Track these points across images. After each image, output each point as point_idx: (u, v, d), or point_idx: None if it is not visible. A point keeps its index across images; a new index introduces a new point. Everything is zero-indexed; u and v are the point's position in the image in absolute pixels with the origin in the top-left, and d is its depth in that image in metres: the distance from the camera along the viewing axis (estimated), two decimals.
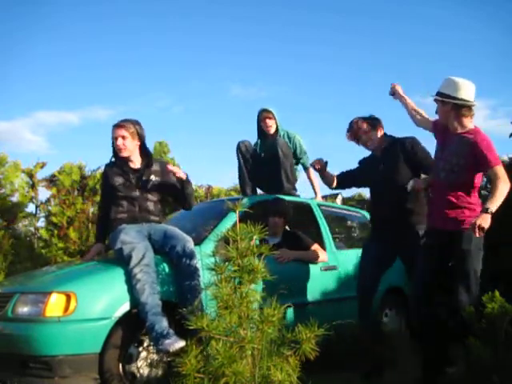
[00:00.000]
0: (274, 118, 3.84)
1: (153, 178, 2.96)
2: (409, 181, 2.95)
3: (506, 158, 4.95)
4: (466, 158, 2.58)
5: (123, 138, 2.86)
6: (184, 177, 2.91)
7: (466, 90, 2.62)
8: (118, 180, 2.91)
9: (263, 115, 3.85)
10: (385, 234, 3.08)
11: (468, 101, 2.61)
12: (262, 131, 3.95)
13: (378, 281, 3.17)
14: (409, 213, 3.00)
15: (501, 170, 2.50)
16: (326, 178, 3.43)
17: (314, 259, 3.39)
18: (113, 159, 2.99)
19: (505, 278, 3.53)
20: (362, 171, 3.34)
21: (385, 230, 3.09)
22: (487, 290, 2.39)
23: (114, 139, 2.87)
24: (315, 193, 4.11)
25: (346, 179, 3.42)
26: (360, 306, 3.15)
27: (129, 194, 2.90)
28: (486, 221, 2.34)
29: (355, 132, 3.18)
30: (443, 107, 2.67)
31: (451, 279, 2.62)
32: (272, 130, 3.86)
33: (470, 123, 2.64)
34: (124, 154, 2.90)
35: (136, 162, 2.97)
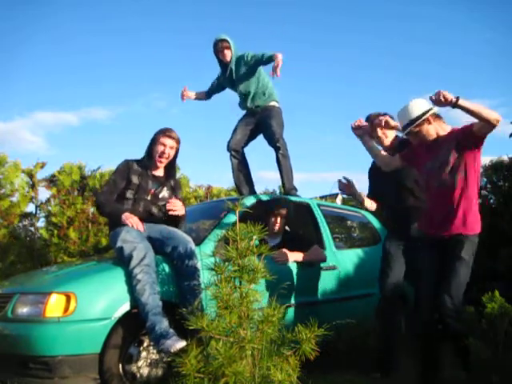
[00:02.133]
0: (230, 48, 3.89)
1: (165, 193, 3.02)
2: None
3: (506, 158, 4.96)
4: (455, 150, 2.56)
5: (171, 148, 2.99)
6: (182, 214, 2.95)
7: (420, 105, 2.60)
8: (135, 179, 2.94)
9: (221, 45, 3.89)
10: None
11: (431, 108, 2.59)
12: (219, 59, 3.99)
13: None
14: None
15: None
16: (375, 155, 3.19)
17: (313, 261, 3.39)
18: (144, 160, 3.01)
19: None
20: (376, 182, 3.28)
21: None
22: (487, 290, 2.39)
23: (162, 146, 2.96)
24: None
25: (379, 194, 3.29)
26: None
27: (139, 196, 2.92)
28: (448, 95, 2.36)
29: (374, 126, 3.06)
30: (427, 126, 2.61)
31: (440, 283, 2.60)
32: (228, 58, 3.92)
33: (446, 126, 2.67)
34: (163, 163, 3.01)
35: (160, 171, 3.06)
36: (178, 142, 3.02)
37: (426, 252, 2.73)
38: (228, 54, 3.88)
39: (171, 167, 3.10)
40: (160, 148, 2.96)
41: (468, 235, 2.56)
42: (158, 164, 3.00)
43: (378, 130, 3.05)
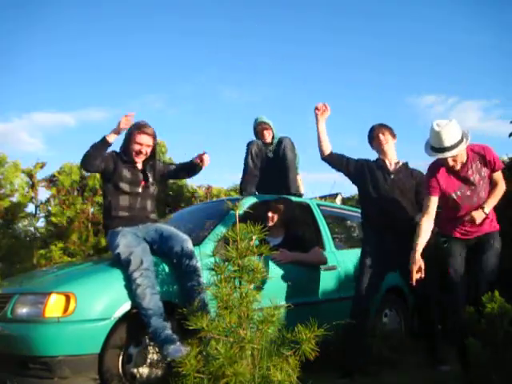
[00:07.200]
0: (271, 128, 3.95)
1: (150, 178, 3.00)
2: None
3: (505, 158, 4.95)
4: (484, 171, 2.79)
5: (147, 146, 2.94)
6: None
7: (456, 133, 2.68)
8: (126, 174, 2.91)
9: (261, 127, 3.95)
10: (386, 240, 3.11)
11: (465, 139, 2.71)
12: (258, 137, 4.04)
13: (379, 285, 3.17)
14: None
15: (500, 175, 2.84)
16: (322, 140, 3.27)
17: (313, 262, 3.38)
18: (123, 156, 2.95)
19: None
20: (361, 171, 3.29)
21: (386, 237, 3.11)
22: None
23: (139, 145, 2.90)
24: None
25: (338, 161, 3.31)
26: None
27: (133, 190, 2.91)
28: (480, 216, 2.72)
29: (376, 139, 3.22)
30: (461, 152, 2.71)
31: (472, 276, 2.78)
32: (269, 140, 3.98)
33: None
34: (140, 160, 2.96)
35: (140, 163, 3.00)
36: (154, 137, 2.96)
37: (457, 253, 2.84)
38: (270, 135, 3.95)
39: (149, 159, 3.03)
40: (136, 147, 2.91)
41: (495, 231, 2.86)
42: (136, 160, 2.96)
43: (380, 135, 3.21)
